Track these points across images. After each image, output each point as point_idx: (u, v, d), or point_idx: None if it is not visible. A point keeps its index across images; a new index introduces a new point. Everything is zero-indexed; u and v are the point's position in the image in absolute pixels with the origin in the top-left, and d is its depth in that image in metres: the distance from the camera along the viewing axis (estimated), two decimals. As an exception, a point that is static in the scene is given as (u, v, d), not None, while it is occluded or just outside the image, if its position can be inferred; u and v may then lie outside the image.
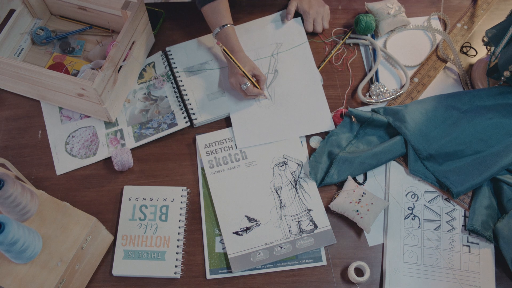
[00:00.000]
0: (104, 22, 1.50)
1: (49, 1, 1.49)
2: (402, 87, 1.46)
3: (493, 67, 1.37)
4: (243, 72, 1.36)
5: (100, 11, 1.46)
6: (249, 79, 1.37)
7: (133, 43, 1.39)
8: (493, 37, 1.35)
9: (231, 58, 1.35)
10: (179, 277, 1.24)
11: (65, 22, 1.54)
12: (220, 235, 1.28)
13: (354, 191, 1.29)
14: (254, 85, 1.39)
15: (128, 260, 1.25)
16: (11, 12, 1.45)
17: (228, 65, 1.42)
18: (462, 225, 1.29)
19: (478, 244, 1.27)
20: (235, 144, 1.38)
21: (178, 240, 1.27)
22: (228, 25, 1.40)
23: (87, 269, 1.20)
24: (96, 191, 1.33)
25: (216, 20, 1.41)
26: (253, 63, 1.40)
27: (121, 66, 1.36)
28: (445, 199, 1.32)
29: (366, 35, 1.52)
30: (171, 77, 1.47)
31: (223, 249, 1.27)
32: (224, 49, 1.33)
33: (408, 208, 1.31)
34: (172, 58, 1.49)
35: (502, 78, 1.35)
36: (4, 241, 0.99)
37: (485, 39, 1.47)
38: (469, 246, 1.26)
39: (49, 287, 1.08)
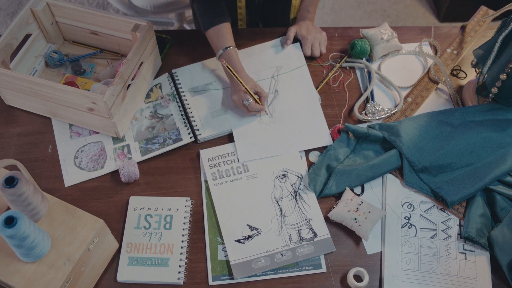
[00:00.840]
0: (114, 46, 1.59)
1: (63, 27, 1.59)
2: (396, 106, 1.53)
3: (482, 85, 1.45)
4: (246, 88, 1.43)
5: (111, 35, 1.55)
6: (251, 95, 1.44)
7: (142, 63, 1.48)
8: (480, 57, 1.43)
9: (234, 75, 1.43)
10: (182, 283, 1.26)
11: (77, 47, 1.63)
12: (223, 243, 1.32)
13: (352, 200, 1.34)
14: (256, 102, 1.46)
15: (132, 267, 1.28)
16: (27, 36, 1.54)
17: (230, 84, 1.50)
18: (458, 234, 1.33)
19: (473, 251, 1.30)
20: (237, 158, 1.44)
21: (181, 247, 1.30)
22: (231, 47, 1.49)
23: (92, 273, 1.23)
24: (103, 202, 1.38)
25: (220, 43, 1.50)
26: (255, 82, 1.48)
27: (129, 85, 1.44)
28: (440, 209, 1.36)
29: (362, 58, 1.61)
30: (177, 96, 1.54)
31: (225, 256, 1.30)
32: (228, 66, 1.42)
33: (405, 218, 1.35)
34: (178, 79, 1.57)
35: (491, 95, 1.42)
36: (15, 234, 1.04)
37: (474, 62, 1.56)
38: (465, 253, 1.30)
39: (56, 285, 1.11)
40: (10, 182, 1.09)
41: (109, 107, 1.34)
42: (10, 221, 1.04)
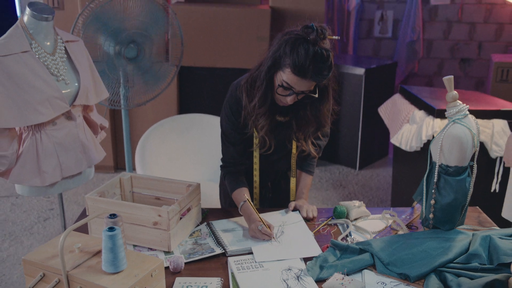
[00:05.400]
0: (170, 208, 2.30)
1: (136, 196, 2.34)
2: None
3: (424, 218, 2.10)
4: (260, 218, 2.10)
5: (170, 198, 2.29)
6: (264, 223, 2.09)
7: (189, 208, 2.17)
8: (419, 200, 2.13)
9: (252, 207, 2.12)
10: (213, 320, 1.66)
11: (142, 212, 2.34)
12: (244, 302, 1.76)
13: (339, 273, 1.84)
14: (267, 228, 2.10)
15: (175, 311, 1.70)
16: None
17: (248, 221, 2.16)
18: (421, 296, 1.77)
19: (434, 305, 1.73)
20: (255, 260, 1.98)
21: (213, 302, 1.75)
22: (249, 200, 2.22)
23: (147, 304, 1.66)
24: (155, 281, 1.86)
25: (241, 197, 2.24)
26: (266, 220, 2.15)
27: (181, 218, 2.11)
28: (406, 285, 1.83)
29: (341, 218, 2.29)
30: (212, 234, 2.17)
31: (246, 309, 1.73)
32: (248, 200, 2.12)
33: (380, 288, 1.81)
34: (213, 226, 2.23)
35: (430, 221, 2.06)
36: (114, 236, 1.58)
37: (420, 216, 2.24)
38: (427, 305, 1.72)
39: (126, 287, 1.57)
40: (113, 216, 1.69)
41: (169, 218, 1.99)
42: (111, 229, 1.60)
